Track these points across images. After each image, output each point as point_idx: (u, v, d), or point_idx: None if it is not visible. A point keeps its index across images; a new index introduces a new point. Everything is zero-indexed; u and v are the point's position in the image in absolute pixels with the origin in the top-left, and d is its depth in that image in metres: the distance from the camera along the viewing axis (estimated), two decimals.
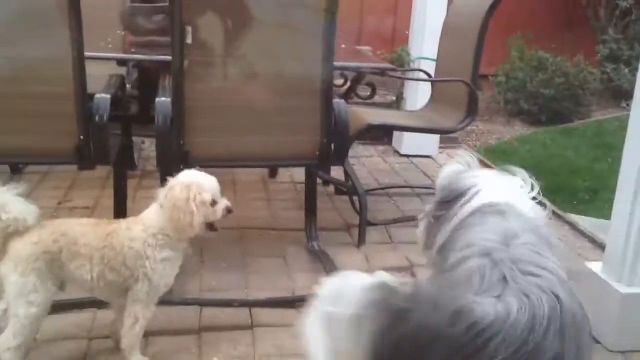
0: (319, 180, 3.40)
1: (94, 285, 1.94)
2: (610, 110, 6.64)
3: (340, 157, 2.80)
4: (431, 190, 1.94)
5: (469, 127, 4.42)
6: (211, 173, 2.03)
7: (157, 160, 2.61)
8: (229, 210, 2.03)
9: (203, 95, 2.53)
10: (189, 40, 2.42)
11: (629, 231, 2.28)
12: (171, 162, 2.57)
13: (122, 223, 2.00)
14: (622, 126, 5.00)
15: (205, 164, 2.89)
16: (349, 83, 3.68)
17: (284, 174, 4.11)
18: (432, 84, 3.98)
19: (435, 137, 4.84)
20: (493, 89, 6.52)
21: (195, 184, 1.95)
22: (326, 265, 2.82)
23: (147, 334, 2.13)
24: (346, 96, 3.51)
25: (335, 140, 2.67)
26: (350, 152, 3.33)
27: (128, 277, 1.95)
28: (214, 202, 1.98)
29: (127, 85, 3.45)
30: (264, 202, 3.66)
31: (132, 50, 3.24)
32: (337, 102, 2.70)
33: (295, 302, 2.52)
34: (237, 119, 2.60)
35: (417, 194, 3.93)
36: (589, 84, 6.21)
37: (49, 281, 1.90)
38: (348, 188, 3.53)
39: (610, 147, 5.06)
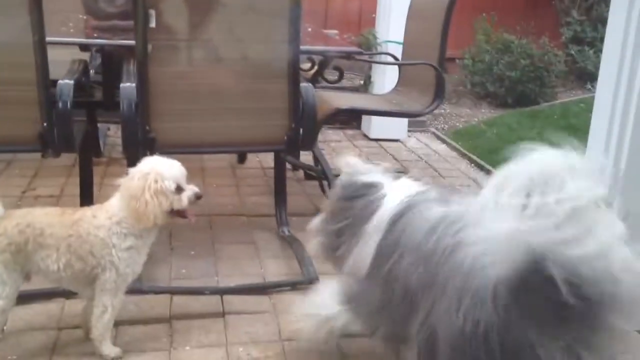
0: (288, 166, 3.39)
1: (60, 275, 1.91)
2: (575, 92, 6.73)
3: (309, 142, 2.79)
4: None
5: (436, 111, 4.43)
6: (178, 159, 2.00)
7: (123, 147, 2.56)
8: (197, 197, 1.99)
9: (168, 80, 2.50)
10: (152, 24, 2.37)
11: None
12: (137, 149, 2.53)
13: (88, 211, 1.96)
14: (587, 108, 5.08)
15: (172, 151, 2.85)
16: (316, 67, 3.66)
17: (252, 159, 4.08)
18: (399, 67, 3.98)
19: (404, 121, 4.86)
20: (460, 72, 6.56)
21: (154, 172, 1.91)
22: (297, 250, 2.81)
23: (118, 324, 2.10)
24: (314, 80, 3.48)
25: (304, 125, 2.66)
26: (320, 137, 3.32)
27: (95, 265, 1.92)
28: (179, 189, 1.95)
29: (91, 71, 3.39)
30: (233, 188, 3.64)
31: (95, 35, 3.18)
32: (305, 86, 2.68)
33: (267, 289, 2.52)
34: (204, 104, 2.57)
35: None
36: (554, 66, 6.27)
37: (16, 273, 1.87)
38: (318, 173, 3.52)
39: (576, 129, 5.13)
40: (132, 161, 2.66)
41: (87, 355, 2.03)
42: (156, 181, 1.90)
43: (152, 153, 2.54)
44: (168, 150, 2.65)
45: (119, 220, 1.92)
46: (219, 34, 2.55)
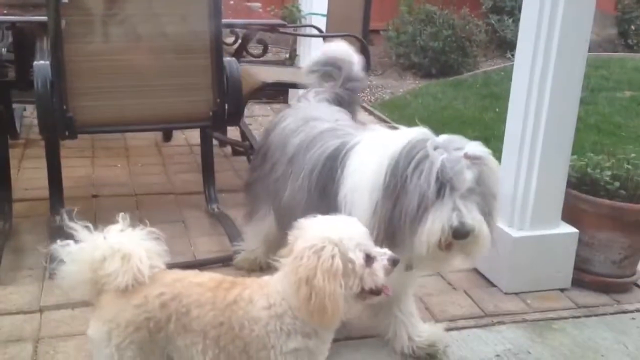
0: (215, 142, 3.34)
1: None
2: (496, 61, 6.90)
3: (235, 117, 2.75)
4: None
5: None
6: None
7: (39, 128, 2.46)
8: (394, 263, 1.45)
9: (84, 57, 2.41)
10: None
11: (517, 177, 2.38)
12: (55, 129, 2.44)
13: (246, 290, 1.47)
14: (507, 76, 5.20)
15: (92, 130, 2.77)
16: (239, 41, 3.60)
17: (178, 136, 4.00)
18: (324, 40, 3.97)
19: None
20: (385, 43, 6.60)
21: (330, 244, 1.37)
22: (227, 227, 2.79)
23: (43, 309, 2.03)
24: (237, 54, 3.43)
25: (229, 100, 2.62)
26: (246, 112, 3.29)
27: None
28: (369, 259, 1.42)
29: (2, 50, 3.23)
30: (159, 167, 3.56)
31: (4, 11, 3.03)
32: (228, 60, 2.64)
33: (198, 266, 2.48)
34: (124, 81, 2.49)
35: None
36: (475, 36, 6.40)
37: (152, 358, 1.46)
38: (245, 148, 3.49)
39: (497, 97, 5.26)
40: (51, 142, 2.57)
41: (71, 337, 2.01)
42: (333, 257, 1.36)
43: (71, 133, 2.46)
44: (88, 130, 2.58)
45: (280, 313, 1.43)
46: (137, 8, 2.47)
